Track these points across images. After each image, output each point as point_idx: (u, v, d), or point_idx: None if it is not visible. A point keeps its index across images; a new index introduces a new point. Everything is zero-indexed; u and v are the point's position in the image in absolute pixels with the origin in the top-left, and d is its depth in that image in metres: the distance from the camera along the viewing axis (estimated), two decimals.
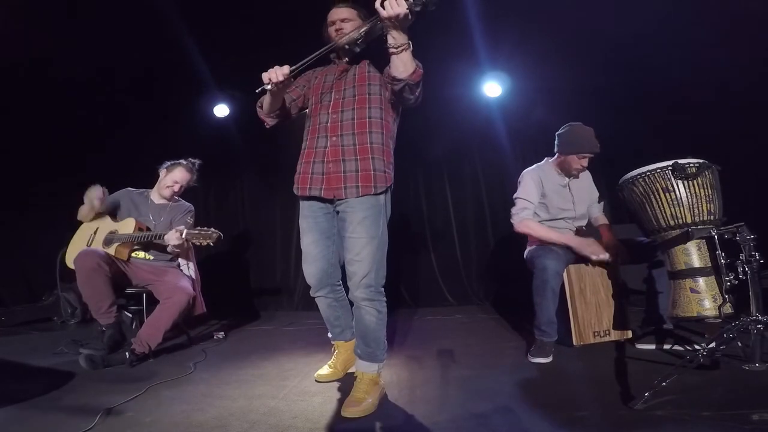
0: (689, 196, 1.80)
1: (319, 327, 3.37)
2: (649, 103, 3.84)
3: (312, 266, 1.81)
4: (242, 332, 3.35)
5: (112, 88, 4.13)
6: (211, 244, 2.41)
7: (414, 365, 2.21)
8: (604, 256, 2.22)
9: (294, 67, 1.64)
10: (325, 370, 1.98)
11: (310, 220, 1.79)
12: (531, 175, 2.41)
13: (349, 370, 1.94)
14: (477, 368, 2.10)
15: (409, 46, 1.51)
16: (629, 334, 2.36)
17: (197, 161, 2.84)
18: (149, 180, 2.86)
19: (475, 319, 3.45)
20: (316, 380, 1.95)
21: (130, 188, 2.80)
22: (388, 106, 1.74)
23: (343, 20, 1.74)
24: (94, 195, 2.58)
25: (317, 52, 1.65)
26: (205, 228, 2.44)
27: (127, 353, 2.28)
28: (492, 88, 4.12)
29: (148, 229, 2.64)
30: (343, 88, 1.75)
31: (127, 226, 2.63)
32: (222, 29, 3.57)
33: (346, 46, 1.66)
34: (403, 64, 1.53)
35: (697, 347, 1.94)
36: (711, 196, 1.81)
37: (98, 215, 2.70)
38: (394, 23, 1.43)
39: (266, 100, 1.79)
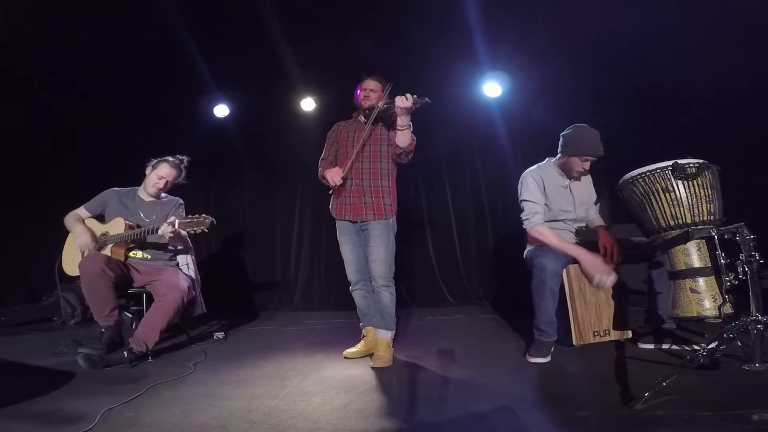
0: (689, 196, 1.80)
1: (319, 327, 3.38)
2: (649, 104, 3.85)
3: (351, 265, 2.48)
4: (242, 332, 3.35)
5: (113, 88, 4.13)
6: (206, 230, 2.43)
7: (414, 365, 2.21)
8: (607, 282, 2.17)
9: (344, 171, 2.34)
10: (353, 349, 2.43)
11: (345, 236, 2.46)
12: (532, 176, 2.39)
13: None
14: (477, 368, 2.10)
15: (410, 127, 2.24)
16: (629, 334, 2.36)
17: (185, 158, 2.83)
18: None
19: (474, 319, 3.45)
20: (344, 357, 2.38)
21: (116, 188, 2.79)
22: (392, 160, 2.42)
23: (371, 90, 2.42)
24: (85, 245, 2.59)
25: (364, 134, 2.37)
26: (197, 215, 2.45)
27: (125, 353, 2.29)
28: (492, 88, 4.12)
29: (138, 226, 2.63)
30: (363, 144, 2.40)
31: (117, 226, 2.63)
32: (222, 29, 3.57)
33: (367, 111, 2.36)
34: (404, 139, 2.26)
35: (697, 347, 1.94)
36: (711, 196, 1.80)
37: (83, 221, 2.71)
38: (402, 111, 2.15)
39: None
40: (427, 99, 2.11)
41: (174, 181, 2.80)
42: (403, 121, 2.19)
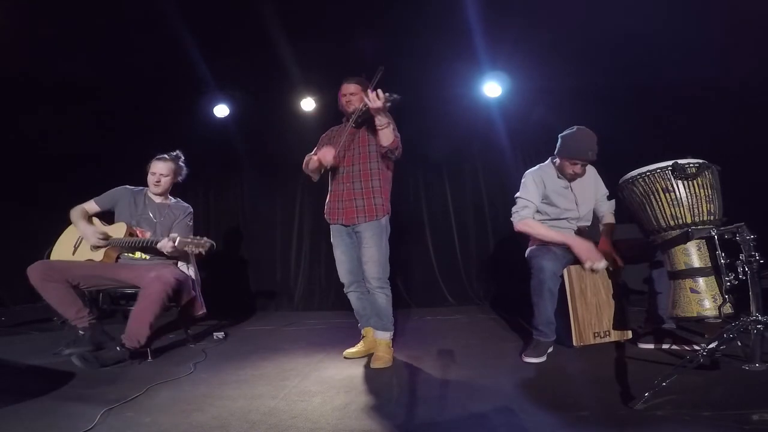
0: (689, 196, 1.80)
1: (319, 327, 3.38)
2: (649, 103, 3.85)
3: (343, 267, 2.46)
4: (242, 332, 3.35)
5: (113, 89, 4.13)
6: (203, 252, 2.44)
7: (414, 365, 2.21)
8: (599, 265, 2.18)
9: (337, 151, 2.34)
10: (353, 349, 2.43)
11: (338, 238, 2.46)
12: (533, 176, 2.40)
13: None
14: (477, 368, 2.10)
15: (389, 125, 2.20)
16: (629, 334, 2.36)
17: (178, 152, 2.85)
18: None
19: (474, 319, 3.45)
20: (344, 357, 2.38)
21: (128, 186, 2.79)
22: (383, 159, 2.37)
23: (351, 94, 2.40)
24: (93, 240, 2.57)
25: (344, 137, 2.38)
26: (198, 237, 2.47)
27: (118, 347, 2.30)
28: (492, 88, 4.12)
29: (141, 231, 2.64)
30: (353, 148, 2.41)
31: (118, 231, 2.61)
32: (222, 29, 3.57)
33: (352, 116, 2.32)
34: (385, 137, 2.22)
35: (697, 347, 1.94)
36: (711, 196, 1.80)
37: (90, 217, 2.70)
38: (376, 111, 2.11)
39: (313, 164, 2.41)
40: (396, 96, 2.07)
41: (172, 175, 2.79)
42: (380, 120, 2.15)
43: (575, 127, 2.34)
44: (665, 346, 2.16)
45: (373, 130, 2.31)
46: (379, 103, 2.07)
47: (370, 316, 2.44)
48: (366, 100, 2.11)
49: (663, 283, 2.11)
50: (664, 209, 1.84)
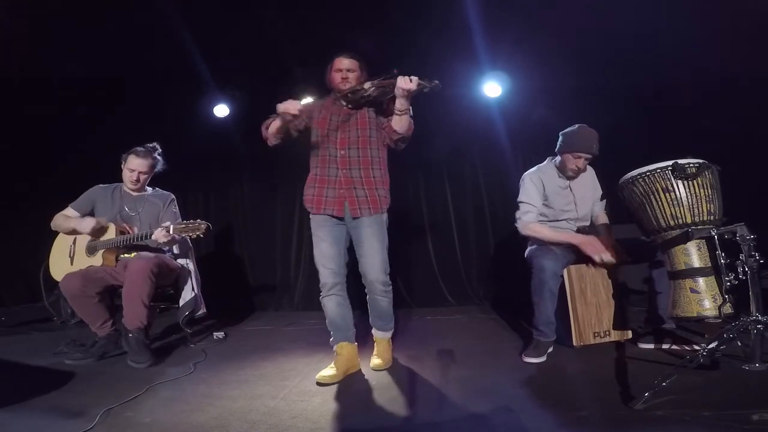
0: (689, 196, 1.80)
1: (318, 327, 3.36)
2: (649, 103, 3.85)
3: (330, 263, 2.12)
4: (242, 332, 3.34)
5: (113, 89, 4.13)
6: (201, 235, 2.38)
7: (414, 365, 2.21)
8: (608, 257, 2.20)
9: (302, 105, 2.08)
10: (327, 372, 2.00)
11: (326, 229, 2.13)
12: (531, 178, 2.40)
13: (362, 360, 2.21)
14: (477, 368, 2.10)
15: (409, 111, 2.02)
16: (629, 334, 2.36)
17: (155, 144, 2.76)
18: (155, 180, 2.88)
19: (474, 319, 3.45)
20: (317, 382, 1.95)
21: (101, 185, 2.74)
22: (383, 146, 2.18)
23: (348, 70, 2.14)
24: (91, 227, 2.52)
25: (324, 99, 2.24)
26: (192, 220, 2.40)
27: (130, 334, 2.32)
28: (492, 88, 4.11)
29: (129, 227, 2.61)
30: (348, 130, 2.14)
31: (108, 232, 2.58)
32: (222, 29, 3.57)
33: (349, 95, 2.09)
34: (403, 124, 2.02)
35: (697, 347, 1.94)
36: (711, 196, 1.81)
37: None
38: (404, 94, 1.90)
39: (275, 124, 2.17)
40: (437, 82, 1.87)
41: (149, 171, 2.72)
42: (403, 104, 1.95)
43: (577, 125, 2.35)
44: (665, 346, 2.16)
45: (376, 113, 2.13)
46: (411, 86, 1.87)
47: (348, 329, 2.16)
48: (397, 81, 1.90)
49: (663, 283, 2.11)
50: (664, 209, 1.84)
